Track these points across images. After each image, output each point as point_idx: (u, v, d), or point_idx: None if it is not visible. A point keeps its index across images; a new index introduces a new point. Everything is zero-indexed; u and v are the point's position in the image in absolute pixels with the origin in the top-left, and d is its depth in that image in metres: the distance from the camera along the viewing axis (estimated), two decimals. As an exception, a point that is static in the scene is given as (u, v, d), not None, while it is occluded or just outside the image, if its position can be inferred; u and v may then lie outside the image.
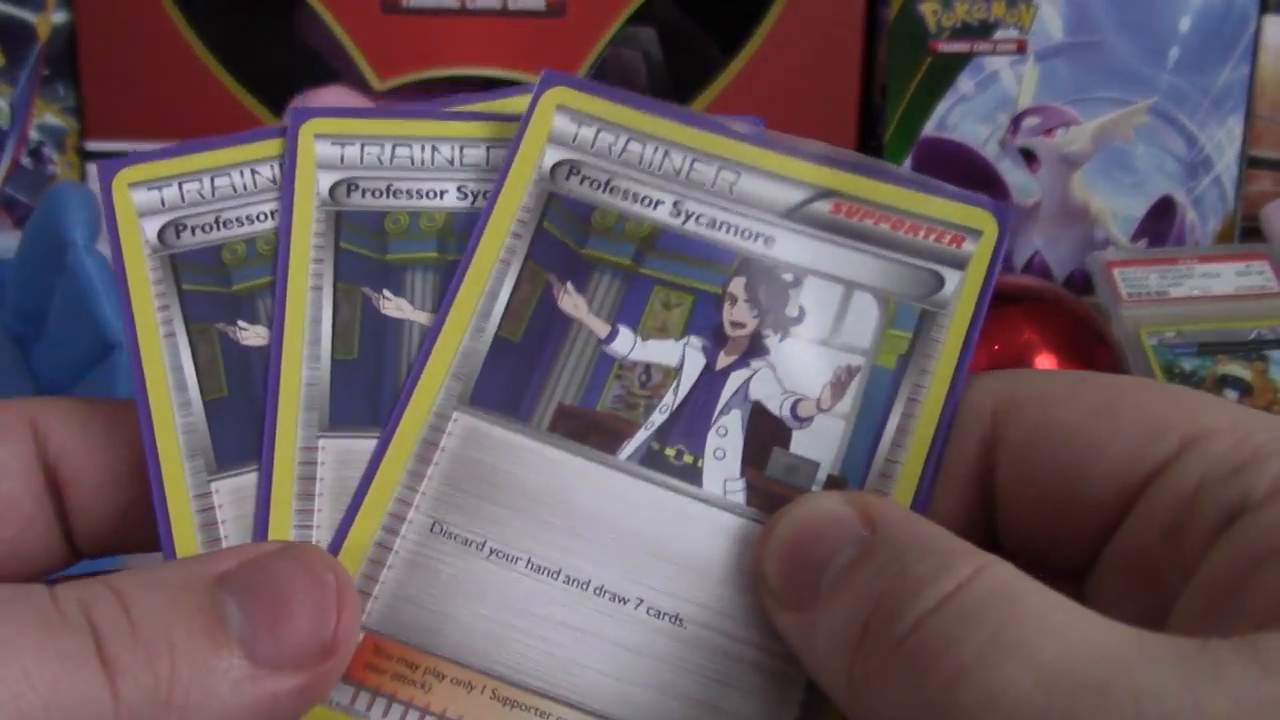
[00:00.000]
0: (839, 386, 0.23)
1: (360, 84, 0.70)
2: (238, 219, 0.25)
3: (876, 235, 0.24)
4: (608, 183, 0.25)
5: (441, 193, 0.25)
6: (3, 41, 0.72)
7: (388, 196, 0.25)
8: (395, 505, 0.24)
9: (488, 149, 0.25)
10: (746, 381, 0.24)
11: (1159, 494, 0.22)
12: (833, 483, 0.23)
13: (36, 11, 0.72)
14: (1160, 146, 0.75)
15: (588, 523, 0.23)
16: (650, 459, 0.24)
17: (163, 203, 0.26)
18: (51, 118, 0.73)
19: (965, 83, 0.74)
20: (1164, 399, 0.22)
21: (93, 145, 0.72)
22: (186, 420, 0.24)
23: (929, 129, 0.74)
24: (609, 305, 0.25)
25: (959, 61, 0.73)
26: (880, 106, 0.74)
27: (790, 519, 0.22)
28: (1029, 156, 0.75)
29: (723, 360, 0.24)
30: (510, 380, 0.24)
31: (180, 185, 0.26)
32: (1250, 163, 0.77)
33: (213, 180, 0.26)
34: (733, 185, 0.24)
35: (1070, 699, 0.18)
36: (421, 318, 0.25)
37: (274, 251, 0.25)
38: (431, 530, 0.24)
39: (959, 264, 0.24)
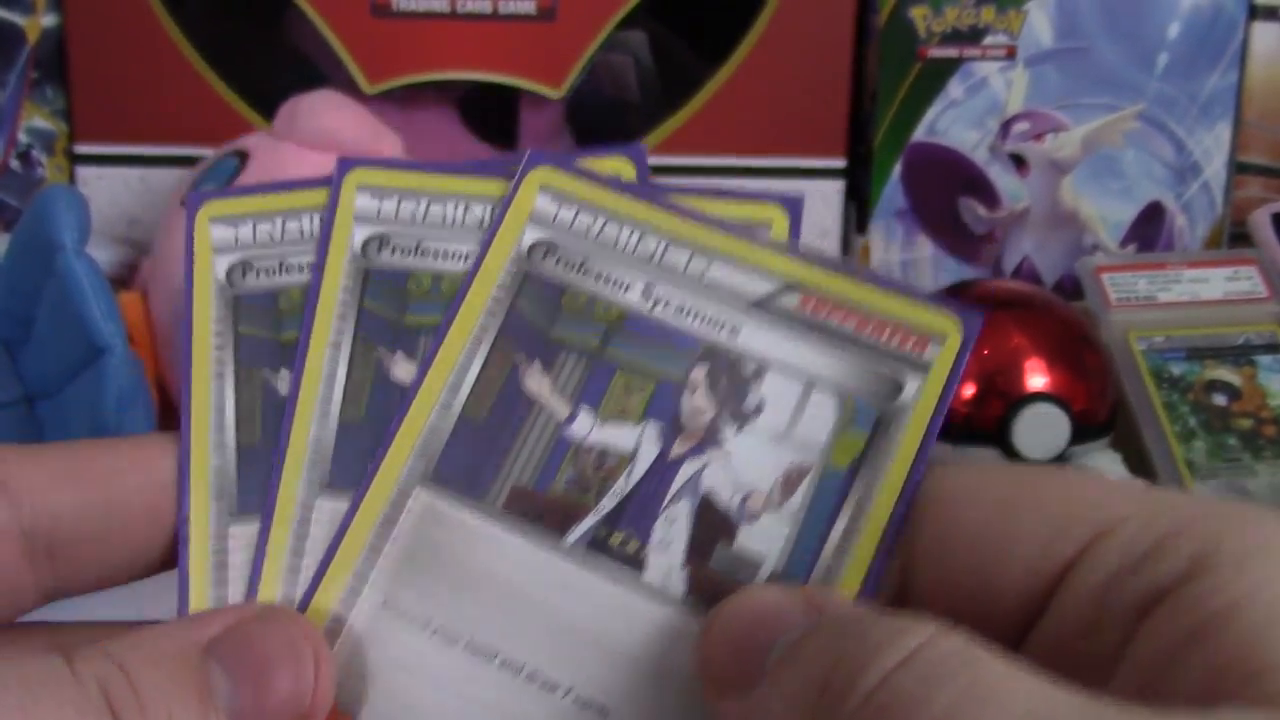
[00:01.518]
0: (790, 484, 0.23)
1: (350, 88, 0.70)
2: (299, 265, 0.25)
3: (841, 333, 0.24)
4: (581, 264, 0.25)
5: (466, 256, 0.25)
6: (-8, 44, 0.71)
7: (415, 255, 0.25)
8: (353, 580, 0.24)
9: None
10: (699, 472, 0.24)
11: (1073, 589, 0.22)
12: (774, 580, 0.23)
13: (26, 14, 0.71)
14: (1149, 152, 0.76)
15: (529, 607, 0.23)
16: (596, 544, 0.24)
17: (236, 241, 0.26)
18: (40, 121, 0.73)
19: (955, 88, 0.74)
20: (1068, 491, 0.22)
21: (82, 149, 0.72)
22: (219, 462, 0.24)
23: (919, 134, 0.74)
24: (572, 387, 0.25)
25: (948, 67, 0.73)
26: (870, 112, 0.74)
27: (734, 605, 0.22)
28: (1018, 162, 0.75)
29: (678, 448, 0.24)
30: (471, 459, 0.24)
31: (255, 224, 0.26)
32: (1239, 168, 0.78)
33: (284, 223, 0.26)
34: (704, 272, 0.25)
35: None
36: None
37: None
38: (383, 606, 0.24)
39: (921, 369, 0.24)
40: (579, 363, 0.25)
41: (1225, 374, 0.68)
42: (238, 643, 0.22)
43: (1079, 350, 0.66)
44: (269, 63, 0.78)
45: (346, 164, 0.26)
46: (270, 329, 0.25)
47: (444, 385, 0.25)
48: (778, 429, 0.24)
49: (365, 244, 0.25)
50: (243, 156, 0.63)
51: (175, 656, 0.22)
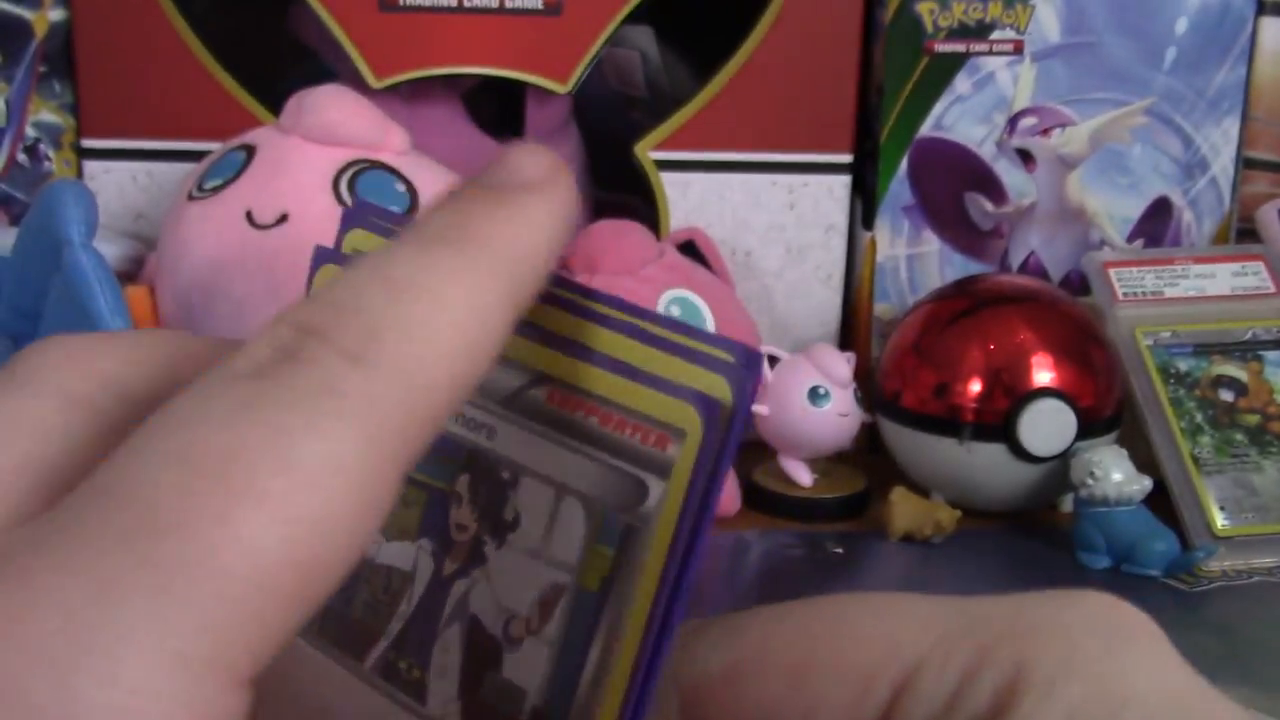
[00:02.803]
0: (546, 607, 0.20)
1: (357, 82, 0.70)
2: None
3: (585, 430, 0.20)
4: None
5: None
6: (0, 38, 0.72)
7: None
8: None
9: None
10: (466, 593, 0.21)
11: None
12: (536, 715, 0.20)
13: (34, 9, 0.72)
14: (1156, 147, 0.75)
15: None
16: (388, 671, 0.22)
17: None
18: (48, 115, 0.73)
19: (962, 83, 0.74)
20: (861, 639, 0.20)
21: (89, 143, 0.72)
22: None
23: (925, 129, 0.74)
24: None
25: (956, 62, 0.73)
26: (877, 107, 0.74)
27: None
28: (1025, 157, 0.75)
29: (448, 567, 0.21)
30: None
31: None
32: (1246, 164, 0.77)
33: None
34: None
35: None
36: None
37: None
38: None
39: (663, 470, 0.19)
40: None
41: (1232, 369, 0.68)
42: None
43: (1085, 346, 0.66)
44: (275, 57, 0.78)
45: (325, 254, 0.22)
46: None
47: None
48: (534, 544, 0.20)
49: None
50: (250, 151, 0.63)
51: None
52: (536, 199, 0.19)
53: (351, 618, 0.22)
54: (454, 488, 0.21)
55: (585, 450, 0.20)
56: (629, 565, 0.20)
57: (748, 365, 0.19)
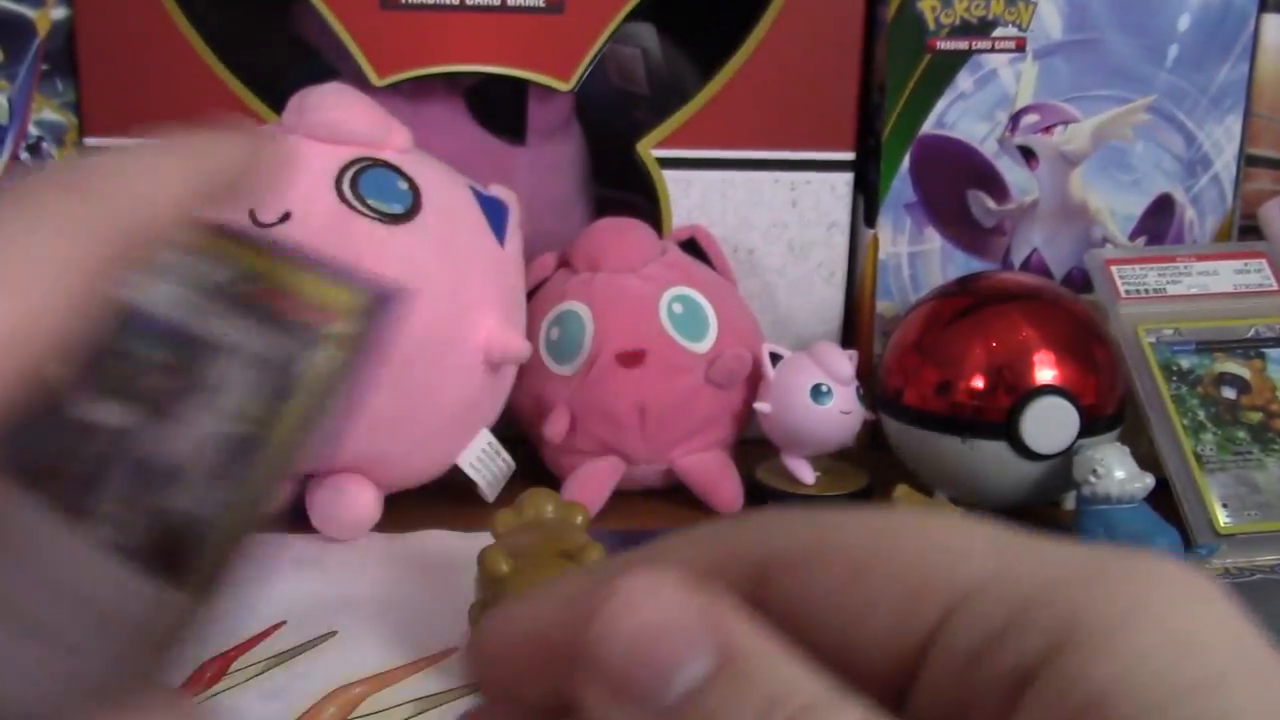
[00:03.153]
0: (220, 451, 0.25)
1: (359, 80, 0.70)
2: None
3: (267, 312, 0.25)
4: None
5: None
6: (2, 37, 0.72)
7: None
8: None
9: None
10: (155, 442, 0.26)
11: (937, 664, 0.20)
12: (218, 545, 0.25)
13: (36, 7, 0.72)
14: (1159, 145, 0.75)
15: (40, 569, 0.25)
16: (87, 516, 0.25)
17: None
18: (50, 113, 0.73)
19: (964, 80, 0.74)
20: (921, 550, 0.20)
21: (92, 141, 0.72)
22: None
23: (928, 127, 0.74)
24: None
25: (958, 59, 0.73)
26: (879, 104, 0.74)
27: (629, 611, 0.20)
28: (1028, 154, 0.75)
29: (144, 423, 0.26)
30: None
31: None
32: (1248, 161, 0.77)
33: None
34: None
35: None
36: None
37: None
38: None
39: (319, 342, 0.25)
40: None
41: (1234, 367, 0.68)
42: None
43: (1088, 343, 0.66)
44: (278, 55, 0.78)
45: None
46: None
47: None
48: (219, 403, 0.25)
49: None
50: (252, 149, 0.63)
51: None
52: (237, 134, 0.24)
53: (67, 474, 0.25)
54: (158, 358, 0.25)
55: (264, 327, 0.25)
56: (282, 416, 0.25)
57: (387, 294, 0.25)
